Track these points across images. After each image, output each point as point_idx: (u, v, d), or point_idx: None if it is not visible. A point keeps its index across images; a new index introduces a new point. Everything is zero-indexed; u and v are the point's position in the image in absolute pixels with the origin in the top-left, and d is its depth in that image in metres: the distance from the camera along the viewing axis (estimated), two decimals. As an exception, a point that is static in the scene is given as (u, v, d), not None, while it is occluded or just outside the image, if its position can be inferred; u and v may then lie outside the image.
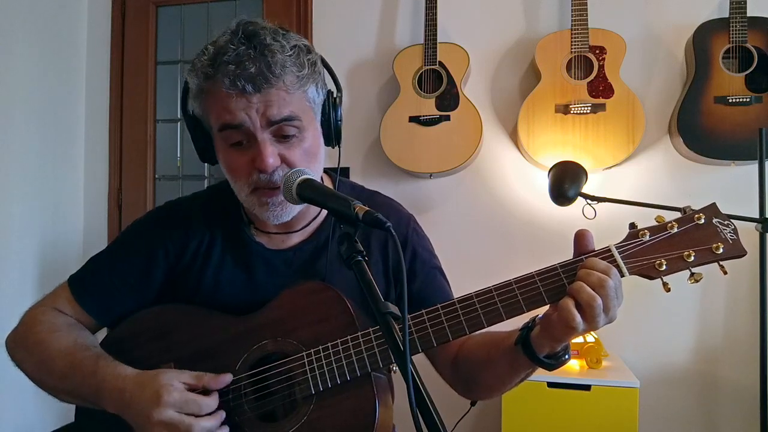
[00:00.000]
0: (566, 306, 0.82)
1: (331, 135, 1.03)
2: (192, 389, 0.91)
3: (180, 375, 0.92)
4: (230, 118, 0.91)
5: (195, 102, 0.97)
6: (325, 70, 1.03)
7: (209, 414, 0.90)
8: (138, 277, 1.07)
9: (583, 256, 0.86)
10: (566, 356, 0.91)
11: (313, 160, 0.98)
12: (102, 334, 1.11)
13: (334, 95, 1.03)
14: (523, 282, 0.87)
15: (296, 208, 0.98)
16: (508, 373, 0.97)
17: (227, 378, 0.94)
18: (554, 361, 0.90)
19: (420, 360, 0.83)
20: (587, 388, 1.84)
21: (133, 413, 0.90)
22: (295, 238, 1.08)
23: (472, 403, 2.08)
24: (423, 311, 0.90)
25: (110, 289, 1.07)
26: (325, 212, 1.09)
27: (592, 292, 0.80)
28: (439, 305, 0.90)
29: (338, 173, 1.11)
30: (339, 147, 1.06)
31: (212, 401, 0.91)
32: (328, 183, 1.13)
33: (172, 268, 1.08)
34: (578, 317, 0.81)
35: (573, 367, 1.97)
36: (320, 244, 1.08)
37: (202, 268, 1.07)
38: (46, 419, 2.26)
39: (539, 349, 0.89)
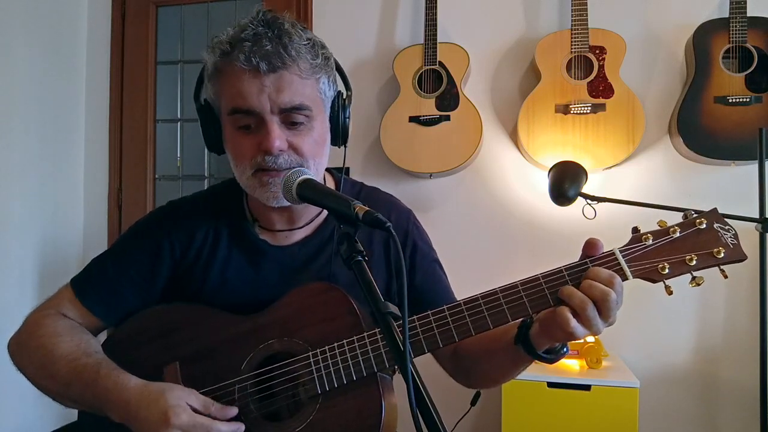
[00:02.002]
0: (561, 312, 0.83)
1: (339, 134, 1.04)
2: (198, 414, 0.90)
3: (188, 396, 0.90)
4: (242, 103, 0.93)
5: (209, 83, 0.98)
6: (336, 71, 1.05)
7: None
8: (143, 274, 1.07)
9: (587, 259, 0.87)
10: (564, 349, 0.93)
11: (319, 151, 0.99)
12: (104, 335, 1.10)
13: (344, 95, 1.04)
14: (528, 284, 0.87)
15: None
16: (507, 365, 0.99)
17: (233, 411, 0.92)
18: (553, 355, 0.92)
19: (420, 360, 0.83)
20: (587, 388, 1.85)
21: (138, 428, 0.90)
22: (299, 235, 1.08)
23: (472, 403, 2.08)
24: (429, 312, 0.91)
25: (115, 288, 1.07)
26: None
27: (584, 296, 0.82)
28: (445, 306, 0.90)
29: (343, 173, 1.11)
30: (345, 148, 1.07)
31: (223, 427, 0.89)
32: (330, 182, 1.13)
33: (176, 265, 1.08)
34: (573, 321, 0.82)
35: (573, 367, 1.97)
36: (324, 239, 1.08)
37: (208, 265, 1.07)
38: (47, 419, 2.26)
39: (538, 346, 0.90)
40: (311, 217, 1.09)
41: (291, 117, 0.94)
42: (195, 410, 0.90)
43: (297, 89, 0.93)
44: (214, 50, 0.94)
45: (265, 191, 0.97)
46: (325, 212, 1.10)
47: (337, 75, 1.05)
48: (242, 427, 0.91)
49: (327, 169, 1.12)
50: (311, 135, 0.97)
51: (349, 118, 1.05)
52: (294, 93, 0.93)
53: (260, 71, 0.90)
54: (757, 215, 1.73)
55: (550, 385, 1.87)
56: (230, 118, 0.96)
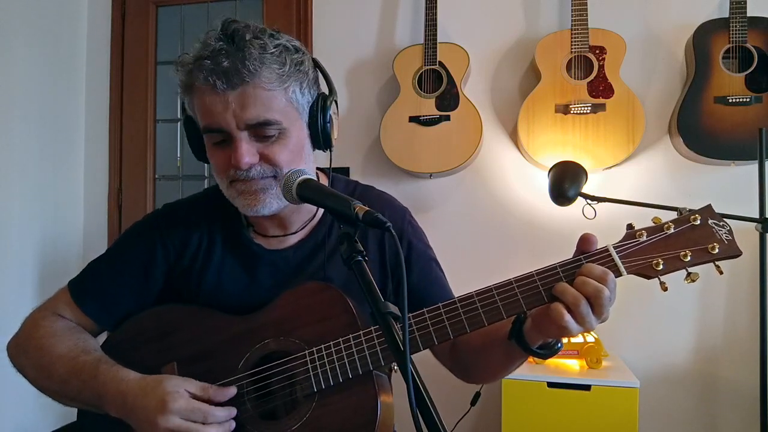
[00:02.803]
0: (555, 307, 0.83)
1: (319, 138, 1.02)
2: (196, 398, 0.91)
3: (185, 383, 0.92)
4: (210, 122, 0.94)
5: (185, 98, 0.99)
6: (320, 73, 1.04)
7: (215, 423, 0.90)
8: (138, 278, 1.07)
9: (582, 256, 0.87)
10: (558, 345, 0.93)
11: (297, 159, 0.98)
12: (103, 337, 1.10)
13: (325, 98, 1.02)
14: (523, 281, 0.88)
15: (275, 204, 0.97)
16: (502, 360, 0.99)
17: (232, 391, 0.93)
18: (547, 350, 0.92)
19: (420, 360, 0.82)
20: (587, 388, 1.85)
21: (137, 419, 0.90)
22: (293, 239, 1.09)
23: (472, 403, 2.08)
24: (424, 310, 0.91)
25: (110, 291, 1.07)
26: (321, 210, 1.09)
27: (577, 293, 0.82)
28: (440, 304, 0.91)
29: (330, 173, 1.11)
30: (330, 151, 1.05)
31: (219, 412, 0.90)
32: (323, 181, 1.13)
33: (171, 269, 1.08)
34: (567, 316, 0.82)
35: (573, 367, 1.97)
36: (318, 242, 1.08)
37: (203, 269, 1.07)
38: (47, 419, 2.26)
39: (532, 342, 0.90)
40: (303, 222, 1.09)
41: (260, 132, 0.94)
42: (193, 395, 0.90)
43: (263, 103, 0.92)
44: (179, 69, 0.95)
45: (241, 200, 0.98)
46: (319, 216, 1.10)
47: (320, 76, 1.04)
48: (234, 411, 0.92)
49: (319, 169, 1.12)
50: (286, 145, 0.96)
51: (330, 122, 1.01)
52: (259, 108, 0.92)
53: (218, 89, 0.90)
54: (757, 215, 1.73)
55: (550, 385, 1.87)
56: (205, 135, 0.98)
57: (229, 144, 0.95)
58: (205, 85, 0.90)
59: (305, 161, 1.01)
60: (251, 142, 0.94)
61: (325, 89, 1.04)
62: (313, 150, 1.05)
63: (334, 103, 1.03)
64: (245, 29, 0.92)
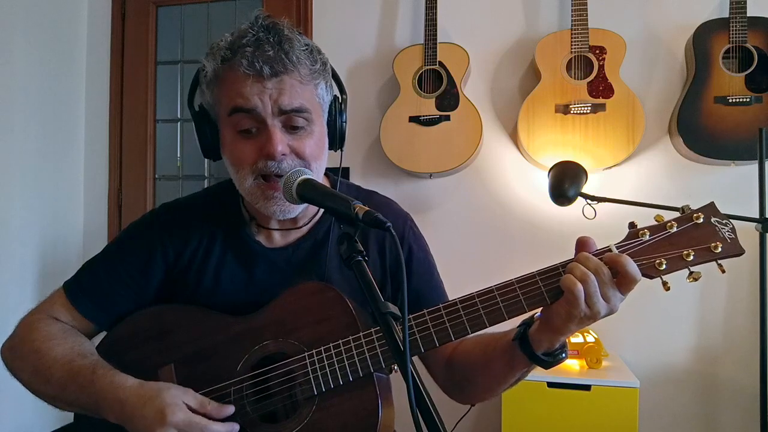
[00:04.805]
0: (567, 277, 0.82)
1: (336, 138, 1.05)
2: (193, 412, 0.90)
3: (184, 395, 0.91)
4: (243, 102, 0.93)
5: (207, 89, 0.98)
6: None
7: None
8: (135, 277, 1.07)
9: (583, 254, 0.86)
10: (563, 355, 0.91)
11: (319, 154, 1.00)
12: (99, 338, 1.10)
13: (340, 100, 1.05)
14: (524, 282, 0.87)
15: (300, 207, 0.98)
16: (503, 372, 0.96)
17: (230, 409, 0.93)
18: (552, 358, 0.90)
19: (419, 361, 0.82)
20: (587, 388, 1.85)
21: (134, 427, 0.90)
22: (294, 236, 1.08)
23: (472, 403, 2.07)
24: (425, 311, 0.90)
25: (107, 292, 1.06)
26: (323, 210, 1.09)
27: (585, 269, 0.81)
28: (440, 305, 0.90)
29: (340, 174, 1.11)
30: (342, 151, 1.07)
31: (218, 427, 0.89)
32: (327, 184, 1.13)
33: (170, 269, 1.07)
34: (579, 285, 0.81)
35: (573, 367, 1.97)
36: (319, 240, 1.08)
37: (202, 268, 1.06)
38: (46, 420, 2.26)
39: (537, 346, 0.89)
40: (308, 218, 1.09)
41: (292, 120, 0.94)
42: (191, 409, 0.90)
43: (298, 93, 0.94)
44: (215, 56, 0.94)
45: (270, 205, 0.97)
46: (319, 215, 1.10)
47: (332, 79, 1.05)
48: (237, 427, 0.91)
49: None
50: (311, 138, 0.97)
51: (345, 122, 1.06)
52: (294, 96, 0.93)
53: (263, 75, 0.91)
54: (757, 215, 1.73)
55: (550, 385, 1.87)
56: (230, 119, 0.95)
57: (257, 135, 0.95)
58: (248, 70, 0.90)
59: (324, 159, 1.02)
60: (283, 132, 0.95)
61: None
62: None
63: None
64: (282, 24, 0.95)
